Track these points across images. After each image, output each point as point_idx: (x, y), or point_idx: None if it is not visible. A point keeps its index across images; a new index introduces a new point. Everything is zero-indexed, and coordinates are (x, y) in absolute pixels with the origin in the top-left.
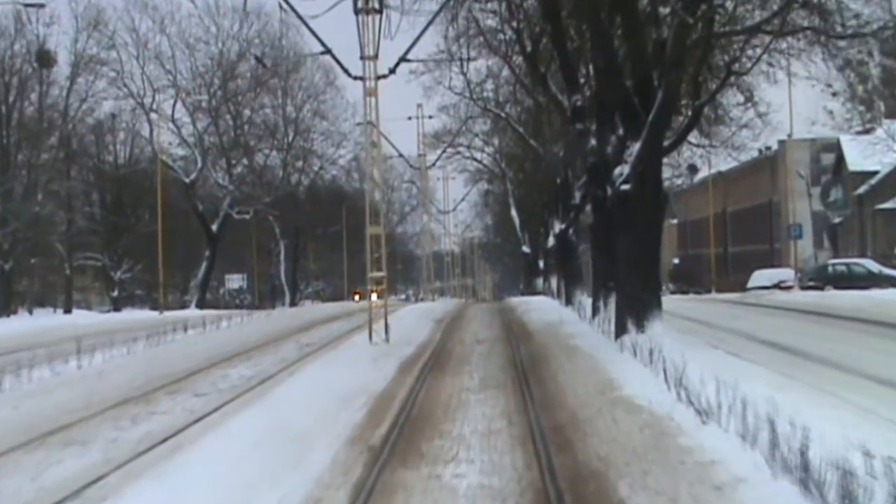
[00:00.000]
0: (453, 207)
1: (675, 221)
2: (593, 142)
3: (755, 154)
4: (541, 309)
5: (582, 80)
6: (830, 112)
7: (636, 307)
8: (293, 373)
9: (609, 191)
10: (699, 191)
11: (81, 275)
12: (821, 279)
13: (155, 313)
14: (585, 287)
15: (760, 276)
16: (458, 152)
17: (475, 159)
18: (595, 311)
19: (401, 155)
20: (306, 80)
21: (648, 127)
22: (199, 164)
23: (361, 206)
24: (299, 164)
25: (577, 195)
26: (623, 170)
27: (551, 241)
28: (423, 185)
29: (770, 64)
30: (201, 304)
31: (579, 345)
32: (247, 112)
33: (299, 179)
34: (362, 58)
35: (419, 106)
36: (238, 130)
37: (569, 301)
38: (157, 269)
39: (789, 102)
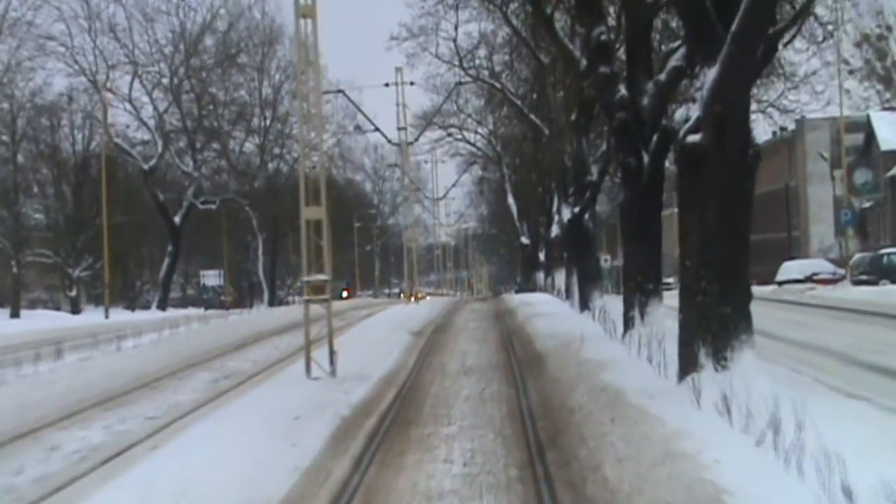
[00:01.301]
0: (444, 194)
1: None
2: (623, 91)
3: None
4: (548, 314)
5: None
6: (847, 91)
7: (713, 327)
8: (138, 459)
9: (645, 157)
10: None
11: (43, 273)
12: (875, 272)
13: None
14: (603, 287)
15: (791, 269)
16: (450, 134)
17: (468, 142)
18: (628, 323)
19: (377, 129)
20: (284, 59)
21: (731, 41)
22: (159, 149)
23: (349, 196)
24: (277, 150)
25: (595, 170)
26: (689, 112)
27: (555, 230)
28: (404, 164)
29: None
30: (164, 304)
31: (622, 388)
32: (214, 91)
33: (278, 166)
34: None
35: (398, 70)
36: (203, 111)
37: (584, 304)
38: (125, 265)
39: None
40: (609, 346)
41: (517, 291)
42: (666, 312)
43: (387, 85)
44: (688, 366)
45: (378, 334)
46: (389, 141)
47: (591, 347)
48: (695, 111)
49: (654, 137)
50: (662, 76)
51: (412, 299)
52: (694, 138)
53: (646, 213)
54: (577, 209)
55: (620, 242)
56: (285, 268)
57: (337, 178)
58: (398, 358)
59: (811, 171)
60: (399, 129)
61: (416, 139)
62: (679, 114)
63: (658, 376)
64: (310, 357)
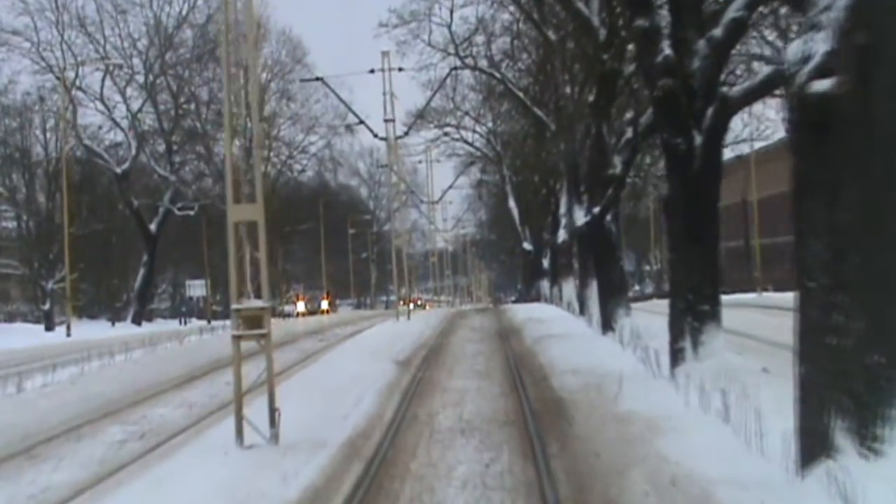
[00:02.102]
0: (440, 197)
1: None
2: (667, 50)
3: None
4: (564, 337)
5: None
6: None
7: (855, 386)
8: None
9: (696, 137)
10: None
11: (21, 284)
12: None
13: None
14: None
15: None
16: (446, 133)
17: (465, 141)
18: (676, 356)
19: (361, 121)
20: (271, 58)
21: None
22: (133, 151)
23: (344, 201)
24: (264, 153)
25: (618, 161)
26: (810, 45)
27: (562, 235)
28: (392, 161)
29: None
30: (139, 318)
31: (704, 477)
32: (193, 89)
33: (265, 170)
34: None
35: (384, 54)
36: (180, 110)
37: (606, 323)
38: (106, 275)
39: None
40: (656, 390)
41: (516, 300)
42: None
43: (372, 71)
44: (814, 447)
45: (353, 367)
46: (375, 135)
47: (632, 392)
48: (821, 43)
49: (709, 111)
50: (718, 31)
51: (411, 306)
52: (822, 85)
53: (699, 209)
54: (595, 209)
55: (663, 246)
56: (275, 278)
57: (330, 182)
58: (372, 406)
59: None
60: (386, 121)
61: (407, 133)
62: (794, 49)
63: (751, 452)
64: (241, 418)
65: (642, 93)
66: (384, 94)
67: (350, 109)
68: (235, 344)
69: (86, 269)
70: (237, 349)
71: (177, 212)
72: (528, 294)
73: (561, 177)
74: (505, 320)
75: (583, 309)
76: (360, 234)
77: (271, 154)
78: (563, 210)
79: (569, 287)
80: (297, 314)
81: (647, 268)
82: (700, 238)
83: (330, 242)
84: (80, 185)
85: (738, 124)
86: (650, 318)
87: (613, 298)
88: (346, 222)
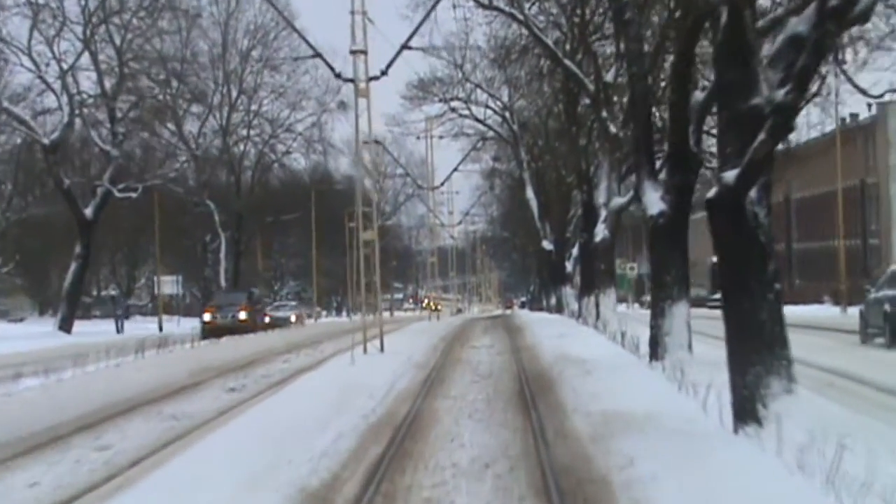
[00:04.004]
0: (443, 181)
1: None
2: None
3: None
4: (659, 430)
5: None
6: None
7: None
8: None
9: None
10: None
11: None
12: None
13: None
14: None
15: None
16: (453, 109)
17: (476, 119)
18: None
19: (317, 54)
20: (254, 23)
21: None
22: (65, 118)
23: (344, 192)
24: (244, 131)
25: (773, 79)
26: None
27: (601, 231)
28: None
29: None
30: (68, 324)
31: None
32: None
33: (244, 151)
34: None
35: None
36: (125, 68)
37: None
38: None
39: None
40: None
41: (526, 305)
42: None
43: (352, 13)
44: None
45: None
46: (337, 75)
47: None
48: None
49: None
50: None
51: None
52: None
53: None
54: (736, 172)
55: None
56: (252, 275)
57: (333, 173)
58: None
59: (892, 165)
60: (354, 52)
61: (384, 73)
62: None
63: None
64: None
65: None
66: (352, 12)
67: (303, 38)
68: None
69: (23, 260)
70: None
71: (117, 193)
72: (542, 300)
73: (594, 158)
74: (525, 354)
75: (655, 350)
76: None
77: (251, 132)
78: (601, 199)
79: (610, 300)
80: (204, 326)
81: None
82: None
83: (329, 237)
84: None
85: None
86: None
87: (761, 355)
88: (344, 215)
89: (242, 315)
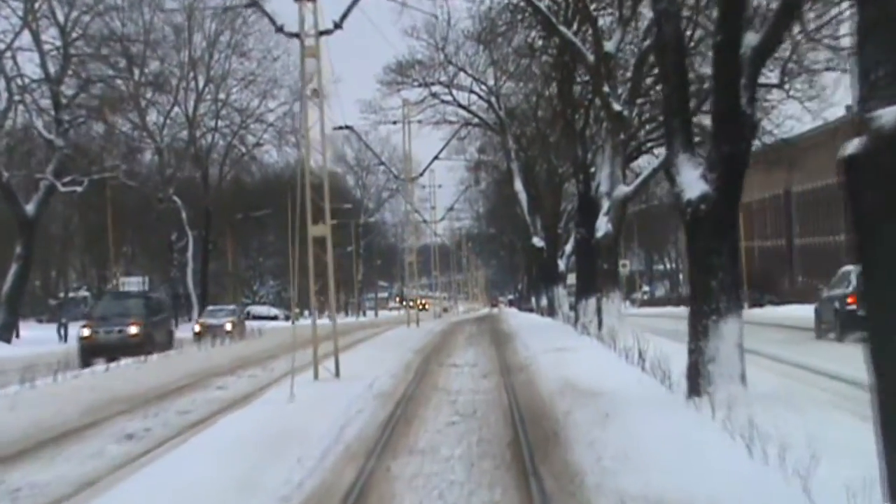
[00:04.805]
0: (422, 172)
1: None
2: None
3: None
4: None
5: None
6: None
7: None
8: None
9: None
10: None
11: None
12: None
13: None
14: None
15: None
16: (434, 94)
17: (461, 105)
18: None
19: (279, 28)
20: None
21: None
22: (2, 104)
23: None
24: (212, 121)
25: None
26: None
27: (603, 225)
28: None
29: None
30: (9, 332)
31: None
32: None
33: (212, 142)
34: None
35: None
36: (70, 48)
37: None
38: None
39: None
40: None
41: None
42: None
43: None
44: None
45: None
46: (279, 28)
47: None
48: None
49: None
50: None
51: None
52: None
53: None
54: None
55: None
56: (222, 275)
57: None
58: None
59: None
60: None
61: (338, 25)
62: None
63: None
64: None
65: None
66: None
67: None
68: None
69: None
70: None
71: (61, 188)
72: (531, 300)
73: (591, 144)
74: (519, 379)
75: (696, 383)
76: (342, 225)
77: (220, 122)
78: (603, 187)
79: (614, 305)
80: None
81: (661, 267)
82: None
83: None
84: None
85: None
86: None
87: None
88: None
89: (133, 330)
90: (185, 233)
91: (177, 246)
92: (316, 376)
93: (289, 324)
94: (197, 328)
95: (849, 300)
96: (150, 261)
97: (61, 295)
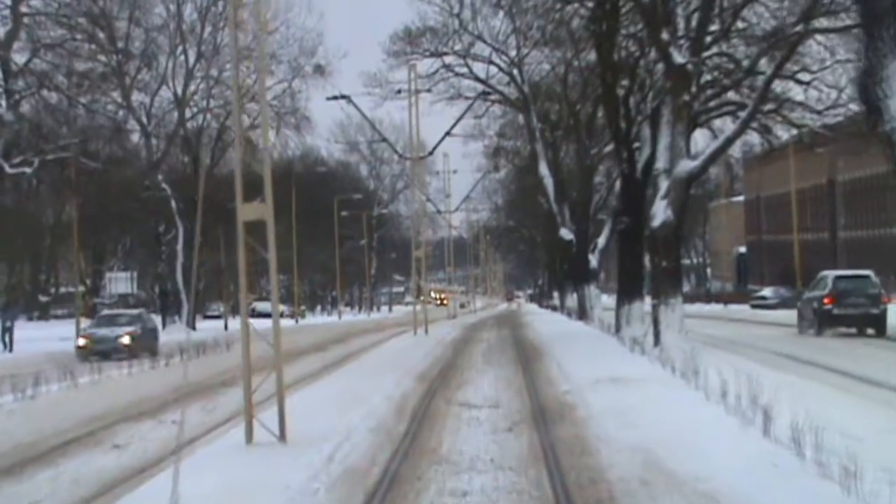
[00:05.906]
0: (431, 150)
1: (741, 198)
2: None
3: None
4: None
5: None
6: None
7: None
8: None
9: None
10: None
11: None
12: None
13: None
14: None
15: None
16: (447, 66)
17: (478, 78)
18: None
19: None
20: None
21: None
22: None
23: (337, 178)
24: (203, 101)
25: None
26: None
27: (661, 212)
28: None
29: None
30: None
31: None
32: None
33: (203, 123)
34: None
35: None
36: (20, 6)
37: None
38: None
39: None
40: None
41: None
42: None
43: None
44: None
45: None
46: None
47: None
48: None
49: None
50: None
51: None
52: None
53: None
54: None
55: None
56: (212, 271)
57: (328, 160)
58: None
59: None
60: None
61: None
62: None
63: None
64: None
65: None
66: None
67: None
68: None
69: None
70: None
71: (8, 169)
72: (551, 296)
73: (637, 114)
74: (565, 446)
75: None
76: (354, 217)
77: (211, 102)
78: (660, 163)
79: (675, 317)
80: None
81: (686, 261)
82: None
83: (322, 227)
84: None
85: None
86: None
87: None
88: (335, 202)
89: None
90: (175, 223)
91: (165, 238)
92: (249, 439)
93: (293, 322)
94: (81, 342)
95: (825, 301)
96: (146, 254)
97: (52, 291)
